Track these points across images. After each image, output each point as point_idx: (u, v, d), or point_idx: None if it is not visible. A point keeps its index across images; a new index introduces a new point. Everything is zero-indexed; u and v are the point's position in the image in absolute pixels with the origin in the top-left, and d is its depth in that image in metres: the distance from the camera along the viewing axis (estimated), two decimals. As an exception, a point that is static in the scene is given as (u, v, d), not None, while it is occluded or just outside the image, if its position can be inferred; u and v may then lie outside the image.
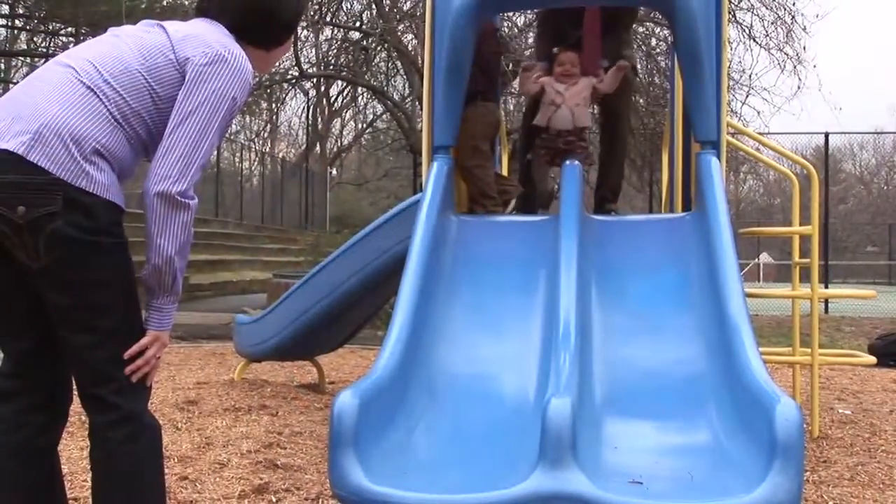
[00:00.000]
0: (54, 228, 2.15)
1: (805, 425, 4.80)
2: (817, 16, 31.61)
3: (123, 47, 2.37)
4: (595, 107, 5.09)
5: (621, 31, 4.85)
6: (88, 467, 3.75)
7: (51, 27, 16.10)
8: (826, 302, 14.86)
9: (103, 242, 2.24)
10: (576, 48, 4.60)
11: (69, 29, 16.34)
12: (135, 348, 2.31)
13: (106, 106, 2.25)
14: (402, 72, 16.98)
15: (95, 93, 2.25)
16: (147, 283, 2.38)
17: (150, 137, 2.34)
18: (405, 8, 14.77)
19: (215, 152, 30.77)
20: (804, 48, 14.47)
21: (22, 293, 2.29)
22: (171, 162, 2.24)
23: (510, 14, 13.19)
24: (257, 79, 21.03)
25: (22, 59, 16.54)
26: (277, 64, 25.34)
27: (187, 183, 2.25)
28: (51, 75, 2.30)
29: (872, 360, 5.32)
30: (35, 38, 16.53)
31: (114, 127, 2.25)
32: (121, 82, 2.29)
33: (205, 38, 2.39)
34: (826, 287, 14.43)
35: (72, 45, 17.04)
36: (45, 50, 16.58)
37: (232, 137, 31.68)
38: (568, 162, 4.16)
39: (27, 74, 17.01)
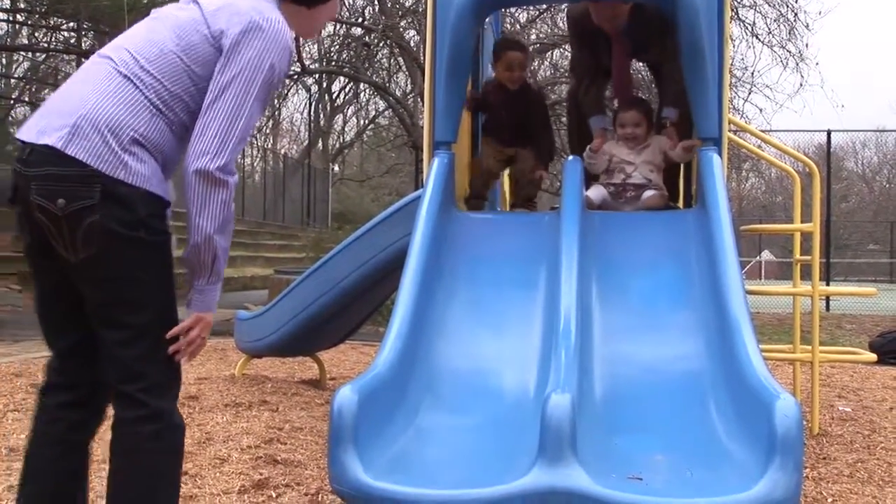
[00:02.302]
0: (92, 221, 2.13)
1: (805, 422, 4.80)
2: (820, 13, 31.62)
3: (160, 29, 2.31)
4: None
5: (669, 68, 4.38)
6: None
7: (52, 22, 16.08)
8: (827, 299, 14.86)
9: (141, 237, 2.20)
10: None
11: (71, 24, 16.32)
12: (175, 330, 2.28)
13: (144, 94, 2.21)
14: (404, 68, 16.98)
15: (133, 81, 2.21)
16: (187, 264, 2.32)
17: (192, 121, 2.26)
18: (407, 4, 14.78)
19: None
20: (807, 45, 14.49)
21: (65, 289, 2.28)
22: (208, 138, 2.17)
23: (512, 10, 13.18)
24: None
25: (23, 54, 16.53)
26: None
27: (225, 159, 2.18)
28: (90, 68, 2.28)
29: (873, 357, 5.32)
30: (36, 34, 16.52)
31: (153, 115, 2.21)
32: (158, 67, 2.23)
33: (237, 6, 2.29)
34: (827, 284, 14.43)
35: (73, 40, 17.06)
36: (46, 45, 16.58)
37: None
38: (570, 158, 4.16)
39: (28, 70, 17.03)
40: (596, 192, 4.19)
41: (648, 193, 4.17)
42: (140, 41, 2.29)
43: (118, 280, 2.20)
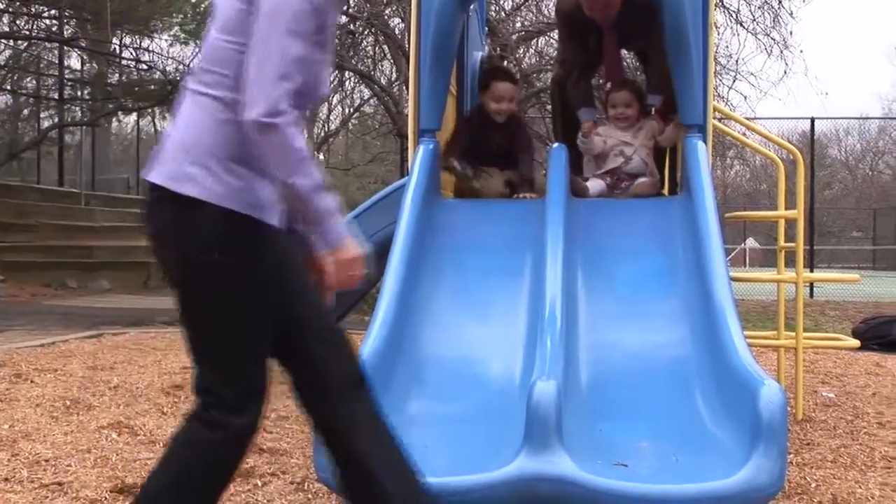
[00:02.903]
0: (167, 246, 2.10)
1: (789, 408, 4.84)
2: (804, 0, 31.63)
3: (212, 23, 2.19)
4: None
5: (655, 52, 4.38)
6: (72, 452, 3.75)
7: (34, 9, 15.94)
8: (811, 286, 14.92)
9: (214, 259, 2.07)
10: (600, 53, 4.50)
11: (52, 11, 16.19)
12: (319, 278, 2.20)
13: (205, 101, 2.12)
14: (389, 56, 16.91)
15: (194, 93, 2.14)
16: (291, 218, 2.18)
17: None
18: (392, -9, 14.71)
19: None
20: (791, 33, 14.50)
21: None
22: (248, 90, 2.03)
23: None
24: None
25: (4, 41, 16.37)
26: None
27: (267, 103, 2.00)
28: None
29: (856, 343, 5.35)
30: (17, 21, 16.37)
31: (219, 123, 2.09)
32: (212, 60, 2.13)
33: None
34: (811, 271, 14.51)
35: (55, 27, 16.92)
36: (27, 33, 16.43)
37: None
38: (555, 145, 4.15)
39: (10, 57, 16.87)
40: (595, 185, 4.15)
41: (640, 181, 4.16)
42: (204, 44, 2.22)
43: (194, 302, 2.19)
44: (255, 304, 2.13)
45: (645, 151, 4.22)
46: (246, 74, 2.04)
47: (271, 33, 2.04)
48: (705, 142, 3.93)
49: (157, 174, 2.10)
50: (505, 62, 11.05)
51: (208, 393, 2.17)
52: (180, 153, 2.09)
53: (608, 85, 4.52)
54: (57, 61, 17.55)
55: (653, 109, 4.35)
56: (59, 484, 3.37)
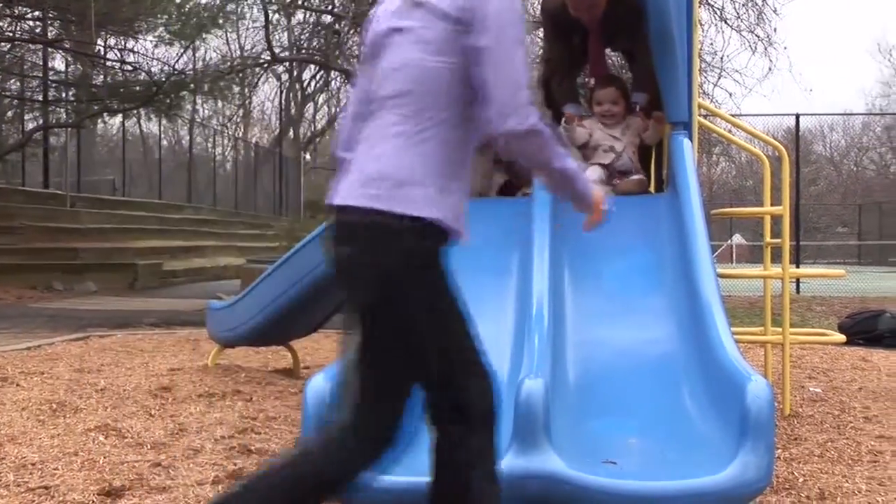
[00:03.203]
0: (369, 266, 2.09)
1: (776, 404, 4.85)
2: (788, -3, 31.73)
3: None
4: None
5: (641, 51, 4.39)
6: (59, 455, 3.73)
7: (17, 11, 15.86)
8: (797, 282, 14.99)
9: (424, 271, 2.12)
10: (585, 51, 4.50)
11: (36, 13, 16.11)
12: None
13: (403, 122, 2.15)
14: (374, 55, 16.86)
15: (391, 115, 2.17)
16: (552, 191, 2.44)
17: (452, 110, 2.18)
18: (377, -9, 14.70)
19: (188, 137, 29.98)
20: (775, 30, 14.57)
21: None
22: (493, 104, 2.11)
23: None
24: (228, 63, 20.90)
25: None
26: (249, 47, 25.03)
27: (518, 111, 2.11)
28: None
29: (842, 338, 5.38)
30: (0, 22, 16.28)
31: (425, 142, 2.14)
32: (416, 82, 2.16)
33: None
34: (797, 267, 14.57)
35: (38, 29, 16.83)
36: (11, 34, 16.34)
37: (204, 122, 31.48)
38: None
39: (-6, 59, 16.77)
40: (593, 173, 4.10)
41: (631, 178, 4.15)
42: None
43: (389, 318, 2.18)
44: (453, 309, 2.20)
45: (632, 149, 4.22)
46: (485, 89, 2.13)
47: (504, 47, 2.15)
48: (691, 139, 3.94)
49: (358, 196, 2.10)
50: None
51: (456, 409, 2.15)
52: (393, 173, 2.11)
53: (592, 82, 4.51)
54: (41, 63, 17.46)
55: (637, 107, 4.36)
56: (46, 488, 3.35)
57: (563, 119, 4.28)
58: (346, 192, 2.13)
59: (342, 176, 2.19)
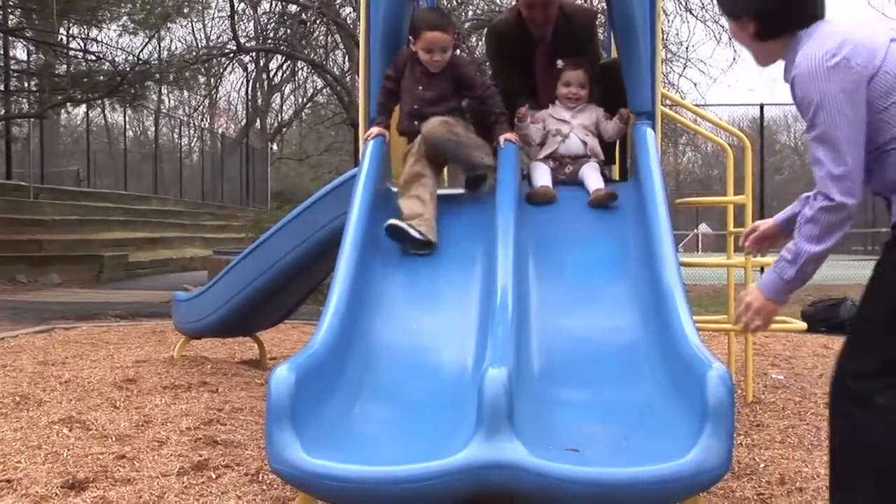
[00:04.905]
0: None
1: (739, 391, 4.92)
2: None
3: None
4: None
5: (590, 48, 4.58)
6: (22, 448, 3.70)
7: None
8: (761, 270, 15.15)
9: None
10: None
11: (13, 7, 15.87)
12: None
13: None
14: (341, 45, 16.82)
15: None
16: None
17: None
18: (343, -20, 14.63)
19: (153, 127, 29.62)
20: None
21: None
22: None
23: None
24: (194, 53, 20.70)
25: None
26: (215, 37, 24.78)
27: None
28: None
29: (803, 326, 5.46)
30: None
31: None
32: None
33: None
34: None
35: (24, 22, 16.55)
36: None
37: (170, 113, 31.18)
38: (503, 138, 4.01)
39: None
40: (542, 174, 4.01)
41: (586, 165, 4.07)
42: None
43: None
44: None
45: (584, 132, 4.15)
46: None
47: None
48: (654, 129, 3.96)
49: None
50: (458, 51, 11.02)
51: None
52: None
53: (560, 63, 4.43)
54: (1, 52, 17.18)
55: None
56: (8, 481, 3.32)
57: (516, 118, 4.12)
58: None
59: None
